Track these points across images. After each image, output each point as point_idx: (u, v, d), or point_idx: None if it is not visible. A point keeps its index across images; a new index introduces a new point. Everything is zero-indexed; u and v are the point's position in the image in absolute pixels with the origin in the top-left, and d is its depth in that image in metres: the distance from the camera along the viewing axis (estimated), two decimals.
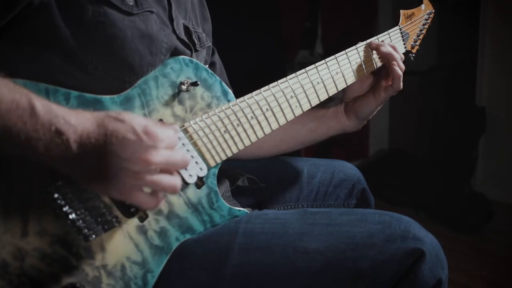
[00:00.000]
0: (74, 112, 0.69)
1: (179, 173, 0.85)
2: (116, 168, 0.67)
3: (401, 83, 1.10)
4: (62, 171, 0.69)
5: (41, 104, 0.66)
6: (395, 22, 1.21)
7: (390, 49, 1.10)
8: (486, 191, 3.38)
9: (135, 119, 0.69)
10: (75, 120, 0.67)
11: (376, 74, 1.16)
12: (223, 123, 0.90)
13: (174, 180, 0.73)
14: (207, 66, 1.10)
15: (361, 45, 1.11)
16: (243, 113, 0.92)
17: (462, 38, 3.74)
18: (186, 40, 0.97)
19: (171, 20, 0.94)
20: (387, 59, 1.11)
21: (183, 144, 0.85)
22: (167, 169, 0.72)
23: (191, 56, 0.97)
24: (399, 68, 1.09)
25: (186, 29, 0.99)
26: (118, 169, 0.67)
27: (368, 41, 1.13)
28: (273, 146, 1.23)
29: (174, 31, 0.93)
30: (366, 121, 1.20)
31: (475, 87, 3.59)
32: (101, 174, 0.68)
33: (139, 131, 0.67)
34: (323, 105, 1.13)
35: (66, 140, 0.66)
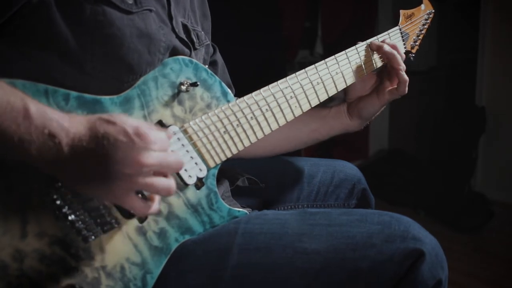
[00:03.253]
0: (67, 115, 0.68)
1: (178, 174, 0.85)
2: (108, 171, 0.66)
3: (407, 88, 1.10)
4: (55, 175, 0.69)
5: (36, 107, 0.66)
6: (395, 22, 1.20)
7: (392, 51, 1.09)
8: (486, 191, 3.39)
9: (127, 121, 0.68)
10: (68, 123, 0.67)
11: (380, 75, 1.16)
12: (222, 123, 0.90)
13: (168, 182, 0.72)
14: (206, 65, 1.10)
15: (361, 45, 1.11)
16: (243, 113, 0.92)
17: (462, 38, 3.75)
18: (185, 39, 0.96)
19: (170, 18, 0.93)
20: (390, 61, 1.10)
21: (182, 144, 0.85)
22: (161, 172, 0.72)
23: (190, 55, 0.96)
24: (404, 71, 1.09)
25: (185, 28, 0.99)
26: (110, 172, 0.67)
27: (368, 41, 1.12)
28: (275, 146, 1.23)
29: (173, 30, 0.93)
30: (369, 121, 1.20)
31: (475, 87, 3.59)
32: (93, 177, 0.67)
33: (130, 133, 0.67)
34: (325, 104, 1.13)
35: (59, 143, 0.65)
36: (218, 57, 1.19)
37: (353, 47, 1.10)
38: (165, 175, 0.72)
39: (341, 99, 1.21)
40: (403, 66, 1.09)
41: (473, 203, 3.18)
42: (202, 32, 1.06)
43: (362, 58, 1.11)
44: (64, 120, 0.67)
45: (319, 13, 3.83)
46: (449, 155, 3.44)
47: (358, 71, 1.11)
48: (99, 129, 0.67)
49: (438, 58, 4.02)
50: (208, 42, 1.10)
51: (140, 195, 0.74)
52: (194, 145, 0.87)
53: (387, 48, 1.09)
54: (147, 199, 0.74)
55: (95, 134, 0.66)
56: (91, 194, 0.74)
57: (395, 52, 1.09)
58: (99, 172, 0.67)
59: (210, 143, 0.89)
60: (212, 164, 0.89)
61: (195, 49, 1.00)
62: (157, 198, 0.75)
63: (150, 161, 0.68)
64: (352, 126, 1.19)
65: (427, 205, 3.27)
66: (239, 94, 0.95)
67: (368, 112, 1.15)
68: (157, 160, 0.69)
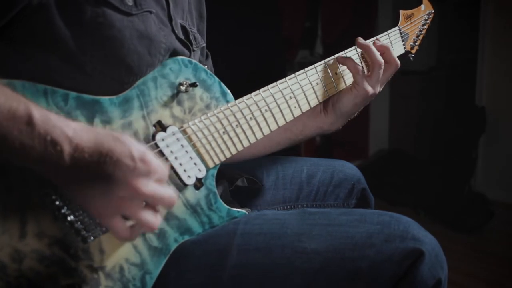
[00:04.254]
0: (73, 124, 0.68)
1: (177, 175, 0.85)
2: (103, 188, 0.67)
3: (381, 70, 1.06)
4: (52, 180, 0.69)
5: (40, 114, 0.66)
6: (395, 22, 1.20)
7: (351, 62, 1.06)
8: (486, 191, 3.39)
9: (135, 145, 0.69)
10: (72, 132, 0.67)
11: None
12: (222, 124, 0.90)
13: (154, 220, 0.72)
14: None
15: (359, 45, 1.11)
16: (242, 114, 0.92)
17: (462, 38, 3.75)
18: (185, 40, 0.96)
19: (170, 19, 0.93)
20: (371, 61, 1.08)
21: (181, 145, 0.85)
22: (152, 205, 0.72)
23: (189, 56, 0.96)
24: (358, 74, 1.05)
25: (183, 29, 0.99)
26: (106, 190, 0.67)
27: (368, 40, 1.12)
28: (247, 149, 1.11)
29: (173, 31, 0.93)
30: (347, 119, 1.14)
31: (475, 87, 3.59)
32: (88, 190, 0.68)
33: (136, 157, 0.67)
34: None
35: (61, 151, 0.65)
36: (209, 64, 1.18)
37: (353, 48, 1.10)
38: (154, 209, 0.72)
39: None
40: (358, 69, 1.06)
41: (473, 203, 3.18)
42: (198, 34, 1.06)
43: (361, 58, 1.11)
44: (68, 129, 0.67)
45: (319, 13, 3.83)
46: (449, 155, 3.45)
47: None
48: (105, 145, 0.67)
49: (438, 58, 4.03)
50: (204, 45, 1.10)
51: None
52: (193, 145, 0.87)
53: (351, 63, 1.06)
54: (130, 227, 0.73)
55: (100, 148, 0.66)
56: (79, 203, 0.74)
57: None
58: (94, 186, 0.67)
59: (209, 143, 0.88)
60: (211, 164, 0.89)
61: (193, 50, 1.00)
62: (139, 230, 0.74)
63: (146, 189, 0.68)
64: (326, 123, 1.14)
65: (427, 205, 3.27)
66: (239, 94, 0.95)
67: (342, 105, 1.10)
68: (153, 191, 0.69)
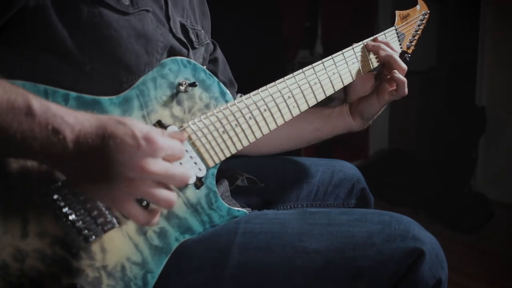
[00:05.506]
0: (74, 112, 0.67)
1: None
2: (110, 172, 0.65)
3: (406, 89, 1.10)
4: (58, 171, 0.69)
5: (39, 104, 0.66)
6: (393, 23, 1.21)
7: (388, 54, 1.09)
8: (486, 191, 3.39)
9: (138, 125, 0.67)
10: (73, 120, 0.66)
11: (379, 76, 1.16)
12: (221, 123, 0.90)
13: (169, 195, 0.69)
14: (206, 63, 1.11)
15: (357, 46, 1.12)
16: (241, 113, 0.92)
17: (462, 38, 3.75)
18: (183, 39, 0.97)
19: (167, 18, 0.94)
20: (385, 64, 1.11)
21: None
22: (164, 182, 0.69)
23: (188, 54, 0.97)
24: (401, 74, 1.08)
25: (183, 27, 0.99)
26: (113, 174, 0.65)
27: (365, 41, 1.13)
28: (278, 144, 1.23)
29: (170, 30, 0.93)
30: (372, 121, 1.19)
31: (475, 87, 3.59)
32: (95, 177, 0.66)
33: (139, 136, 0.65)
34: (325, 104, 1.12)
35: (63, 139, 0.64)
36: (219, 54, 1.19)
37: (350, 48, 1.10)
38: (168, 187, 0.70)
39: (341, 99, 1.21)
40: (401, 68, 1.09)
41: (473, 203, 3.18)
42: (202, 31, 1.06)
43: (359, 58, 1.11)
44: (69, 117, 0.66)
45: (319, 13, 3.83)
46: (449, 155, 3.44)
47: (355, 71, 1.11)
48: (107, 128, 0.65)
49: (438, 58, 4.02)
50: (208, 41, 1.11)
51: (143, 204, 0.73)
52: (193, 144, 0.87)
53: (383, 53, 1.09)
54: (148, 210, 0.71)
55: (102, 132, 0.65)
56: (91, 195, 0.73)
57: (390, 55, 1.09)
58: (101, 171, 0.65)
59: (209, 142, 0.89)
60: (211, 163, 0.89)
61: (194, 48, 1.01)
62: (158, 211, 0.72)
63: (154, 168, 0.66)
64: (355, 126, 1.19)
65: (427, 205, 3.27)
66: (240, 93, 0.95)
67: (368, 112, 1.15)
68: (162, 169, 0.67)
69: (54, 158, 0.66)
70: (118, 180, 0.65)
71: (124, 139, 0.65)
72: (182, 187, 0.86)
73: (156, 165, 0.66)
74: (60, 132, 0.64)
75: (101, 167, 0.65)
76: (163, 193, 0.68)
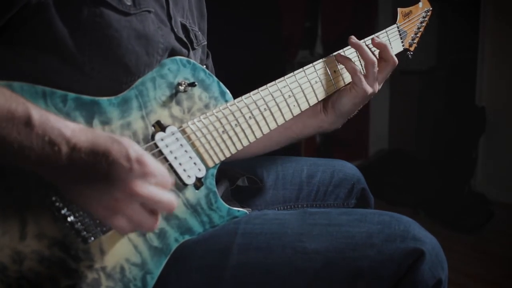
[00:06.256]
0: (72, 125, 0.68)
1: (177, 174, 0.85)
2: (99, 188, 0.67)
3: (375, 68, 1.06)
4: (51, 181, 0.70)
5: (39, 115, 0.66)
6: (394, 21, 1.20)
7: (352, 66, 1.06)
8: (486, 191, 3.39)
9: (134, 146, 0.68)
10: (70, 133, 0.67)
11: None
12: (221, 123, 0.90)
13: (150, 221, 0.71)
14: (203, 65, 1.10)
15: (349, 47, 1.11)
16: (241, 113, 0.92)
17: (462, 38, 3.74)
18: (184, 39, 0.96)
19: (169, 18, 0.93)
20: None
21: (181, 144, 0.85)
22: (150, 207, 0.71)
23: (188, 55, 0.96)
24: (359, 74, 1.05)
25: (184, 27, 0.98)
26: (102, 190, 0.67)
27: (366, 38, 1.12)
28: (246, 147, 1.12)
29: (172, 30, 0.93)
30: (346, 118, 1.14)
31: (475, 87, 3.59)
32: (86, 190, 0.68)
33: (132, 158, 0.67)
34: None
35: (58, 151, 0.65)
36: (210, 63, 1.18)
37: (349, 47, 1.10)
38: (154, 212, 0.71)
39: None
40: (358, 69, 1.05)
41: (473, 203, 3.18)
42: (199, 33, 1.06)
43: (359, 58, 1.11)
44: (67, 130, 0.67)
45: (319, 13, 3.83)
46: (449, 155, 3.44)
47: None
48: (101, 146, 0.67)
49: (438, 58, 4.02)
50: (205, 43, 1.10)
51: None
52: (193, 144, 0.87)
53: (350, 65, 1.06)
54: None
55: (96, 148, 0.67)
56: (82, 206, 0.73)
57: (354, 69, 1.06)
58: (91, 186, 0.67)
59: (209, 142, 0.88)
60: (211, 164, 0.89)
61: (193, 49, 1.00)
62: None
63: (142, 191, 0.67)
64: (327, 123, 1.14)
65: (427, 205, 3.27)
66: (239, 94, 0.95)
67: (342, 105, 1.10)
68: (149, 193, 0.68)
69: (48, 169, 0.67)
70: (107, 197, 0.67)
71: (117, 159, 0.66)
72: (181, 187, 0.86)
73: (144, 189, 0.68)
74: (56, 144, 0.66)
75: (92, 182, 0.67)
76: (144, 218, 0.70)
